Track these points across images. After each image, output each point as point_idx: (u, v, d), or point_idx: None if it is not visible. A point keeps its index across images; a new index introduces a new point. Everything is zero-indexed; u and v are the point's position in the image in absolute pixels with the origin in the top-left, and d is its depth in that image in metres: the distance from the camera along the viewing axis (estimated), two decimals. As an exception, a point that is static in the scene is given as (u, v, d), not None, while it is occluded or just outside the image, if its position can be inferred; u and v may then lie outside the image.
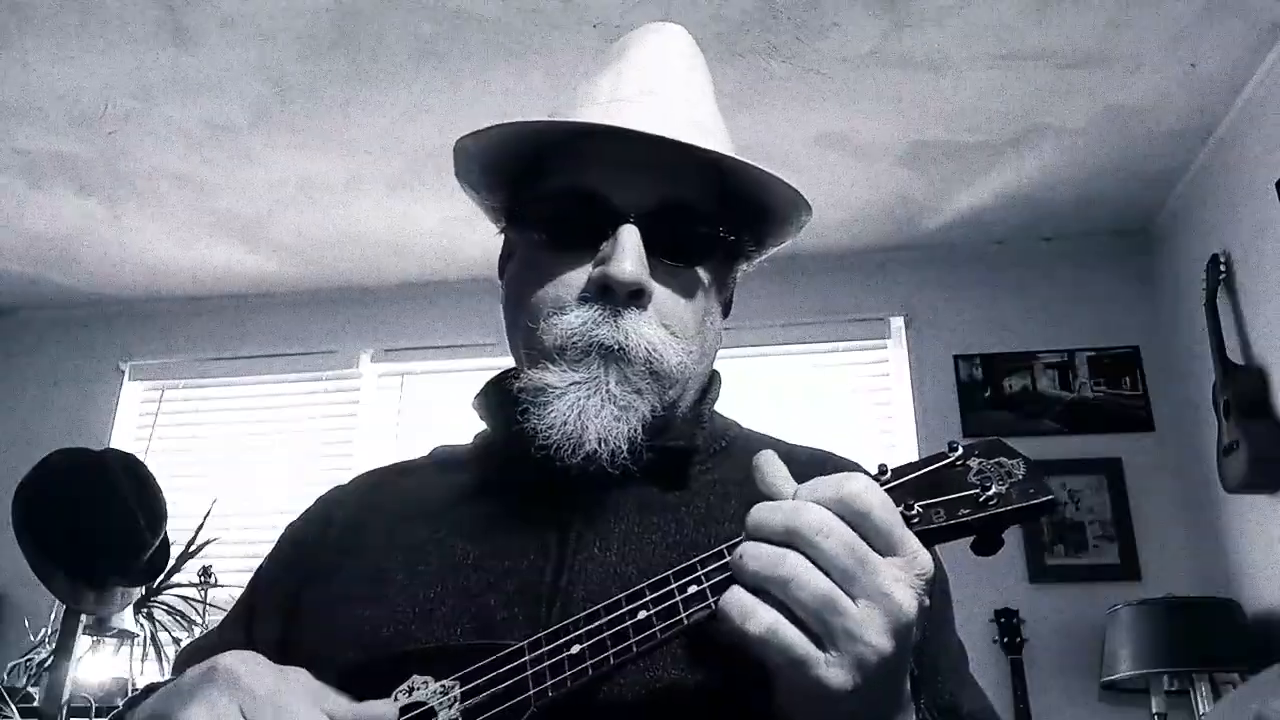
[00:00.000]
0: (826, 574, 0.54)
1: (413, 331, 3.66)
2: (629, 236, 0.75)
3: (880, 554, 0.55)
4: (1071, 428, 3.22)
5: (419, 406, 3.68)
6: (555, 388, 0.75)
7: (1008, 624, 2.92)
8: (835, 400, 3.41)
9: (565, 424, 0.74)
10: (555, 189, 0.81)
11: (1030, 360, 3.32)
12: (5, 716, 2.69)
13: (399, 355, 3.71)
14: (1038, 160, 3.02)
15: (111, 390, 3.84)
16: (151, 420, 3.83)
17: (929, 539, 0.61)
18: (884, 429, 3.35)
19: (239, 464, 3.67)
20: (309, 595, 0.81)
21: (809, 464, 0.73)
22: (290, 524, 0.92)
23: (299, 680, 0.63)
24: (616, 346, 0.74)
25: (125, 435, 3.78)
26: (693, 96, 0.83)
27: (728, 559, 0.59)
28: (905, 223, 3.38)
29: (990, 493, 0.60)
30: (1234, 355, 2.76)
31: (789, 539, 0.55)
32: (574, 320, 0.75)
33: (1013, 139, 2.92)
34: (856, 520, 0.56)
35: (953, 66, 2.61)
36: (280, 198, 3.26)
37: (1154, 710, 2.69)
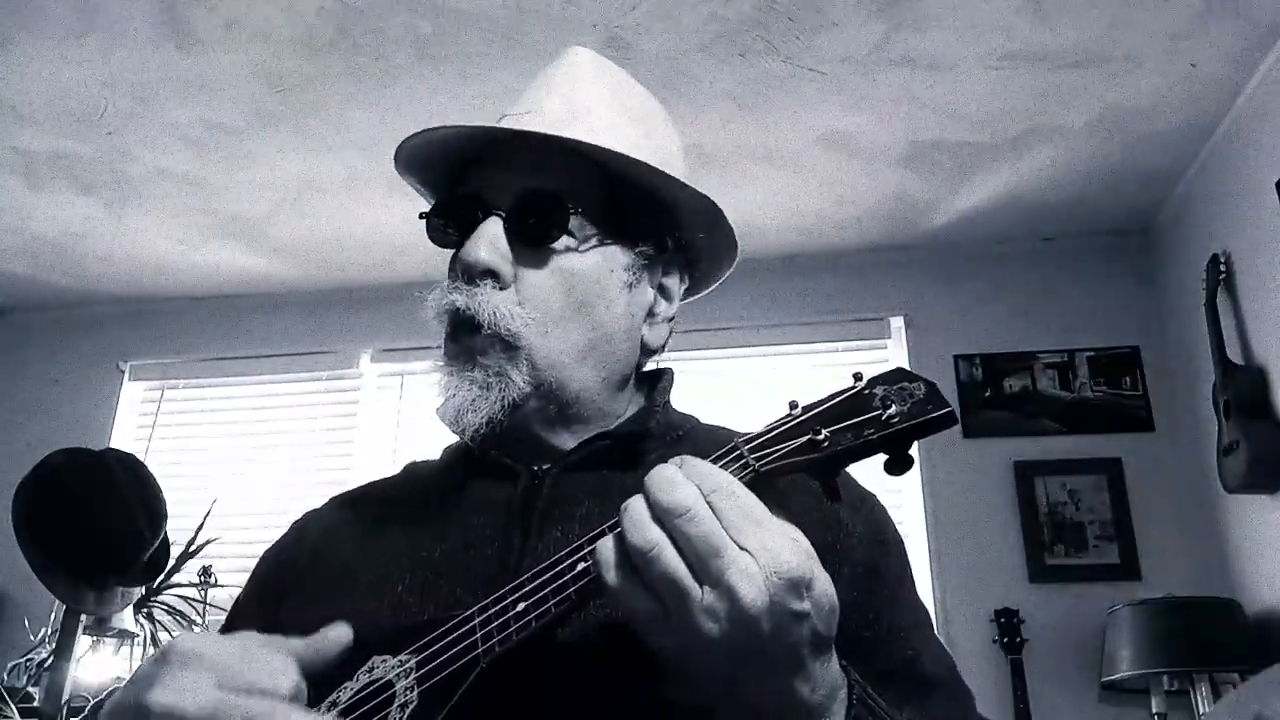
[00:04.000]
0: (683, 554, 0.58)
1: (413, 331, 3.61)
2: (486, 225, 0.83)
3: (740, 544, 0.58)
4: (1071, 428, 3.22)
5: (419, 406, 3.67)
6: (439, 372, 0.85)
7: (1008, 624, 2.92)
8: (835, 400, 3.41)
9: (439, 405, 0.82)
10: (448, 195, 0.91)
11: (1030, 360, 3.32)
12: (5, 716, 2.69)
13: (399, 355, 3.71)
14: (1038, 160, 3.02)
15: (111, 390, 3.84)
16: (151, 420, 3.83)
17: (840, 460, 0.65)
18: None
19: (239, 464, 3.67)
20: (285, 608, 0.85)
21: None
22: (266, 550, 0.96)
23: (253, 638, 0.66)
24: (464, 309, 0.82)
25: (125, 435, 3.78)
26: (578, 107, 0.88)
27: None
28: (905, 223, 3.38)
29: (891, 412, 0.64)
30: (1234, 355, 2.76)
31: (659, 514, 0.59)
32: (437, 293, 0.86)
33: (1013, 139, 2.92)
34: (722, 505, 0.59)
35: (953, 66, 2.61)
36: (280, 198, 3.26)
37: (1154, 710, 2.70)
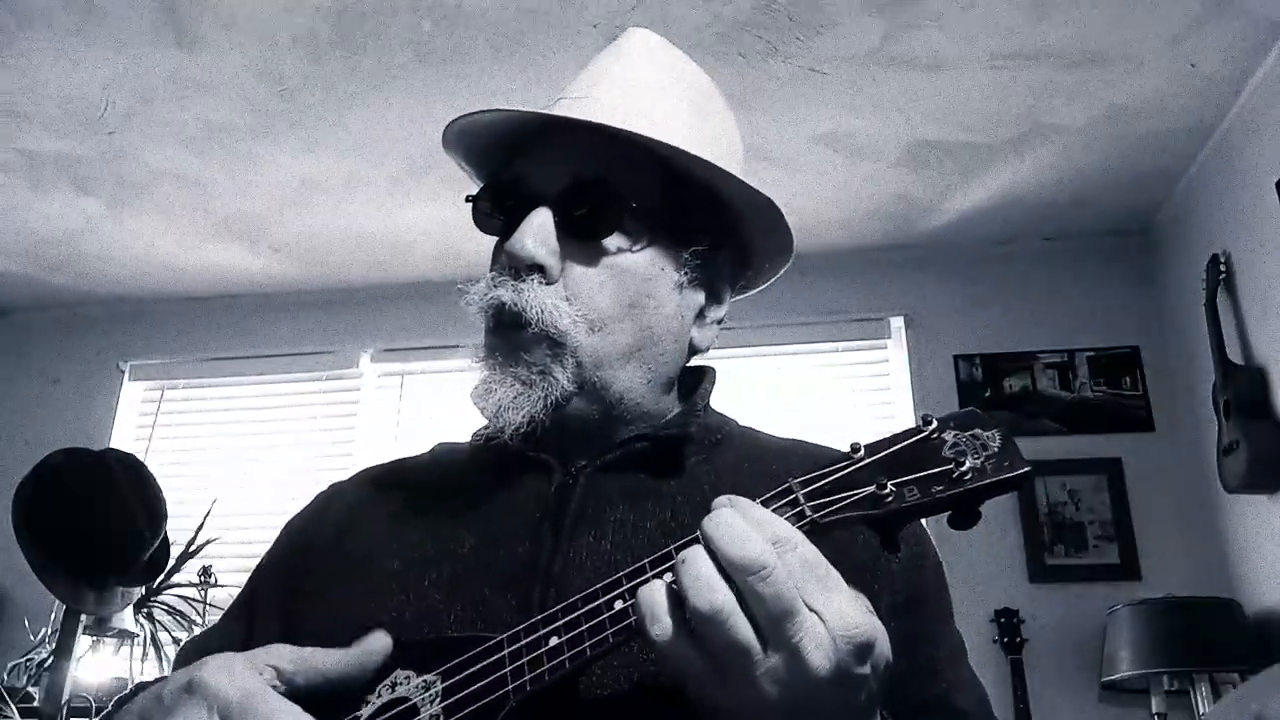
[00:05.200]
0: (751, 616, 0.54)
1: (413, 331, 3.65)
2: (534, 216, 0.79)
3: (809, 604, 0.55)
4: (1071, 428, 3.22)
5: (419, 406, 3.68)
6: (478, 366, 0.81)
7: (1008, 624, 2.92)
8: (835, 400, 3.41)
9: (477, 400, 0.79)
10: (495, 181, 0.86)
11: (1030, 360, 3.32)
12: (5, 716, 2.69)
13: (399, 355, 3.71)
14: (1038, 160, 3.02)
15: (111, 390, 3.84)
16: (151, 420, 3.83)
17: (904, 517, 0.60)
18: (884, 429, 3.34)
19: (239, 464, 3.67)
20: (307, 586, 0.82)
21: (804, 459, 0.74)
22: (290, 519, 0.93)
23: (277, 659, 0.64)
24: (510, 305, 0.78)
25: (125, 435, 3.78)
26: (637, 94, 0.84)
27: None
28: (905, 223, 3.38)
29: (965, 467, 0.59)
30: (1234, 355, 2.76)
31: (728, 568, 0.55)
32: (481, 286, 0.81)
33: (1013, 139, 2.92)
34: (789, 560, 0.55)
35: (953, 66, 2.61)
36: (280, 198, 3.26)
37: (1154, 710, 2.70)
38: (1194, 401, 2.99)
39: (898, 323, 3.45)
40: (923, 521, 0.85)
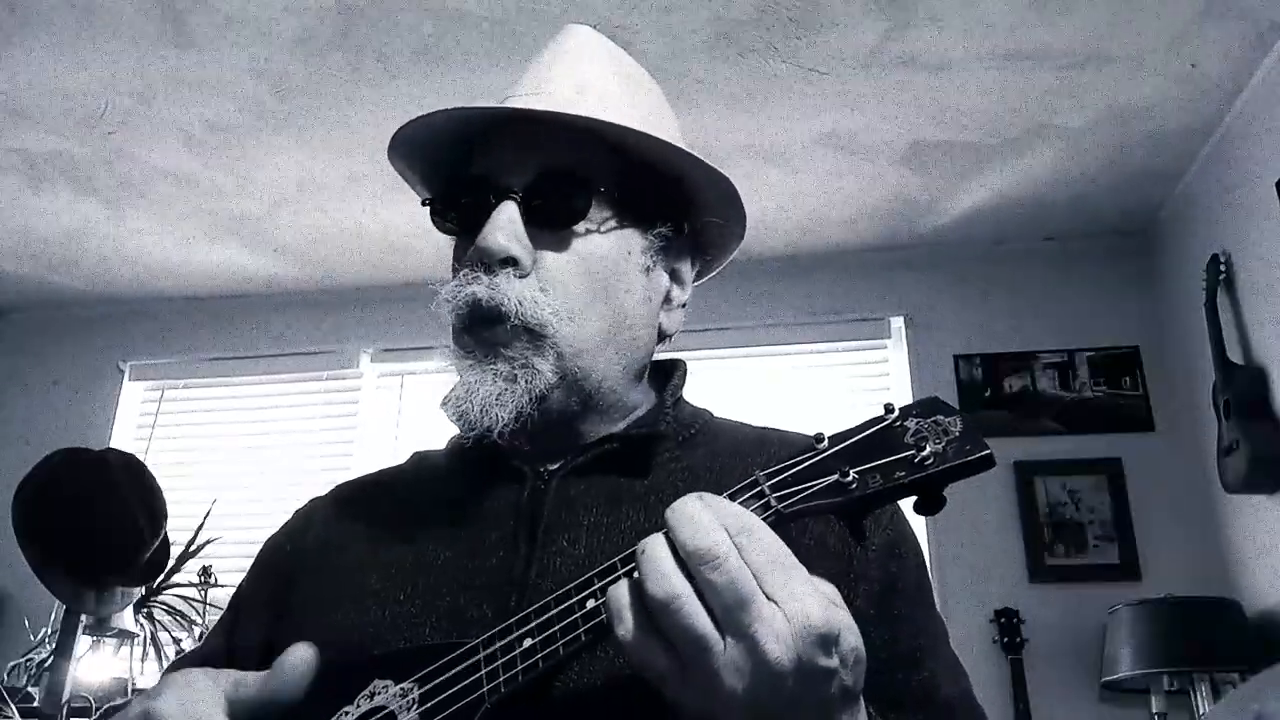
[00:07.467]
0: (707, 604, 0.54)
1: (413, 331, 3.65)
2: (501, 210, 0.79)
3: (767, 594, 0.55)
4: (1071, 428, 3.22)
5: (419, 406, 3.68)
6: (454, 367, 0.80)
7: (1008, 624, 2.92)
8: (835, 400, 3.41)
9: (459, 401, 0.78)
10: (453, 180, 0.87)
11: (1030, 360, 3.32)
12: (5, 716, 2.69)
13: (399, 355, 3.71)
14: (1038, 160, 3.02)
15: (111, 390, 3.84)
16: (151, 420, 3.83)
17: (868, 504, 0.61)
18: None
19: (239, 464, 3.67)
20: (289, 605, 0.83)
21: (781, 447, 0.76)
22: (270, 536, 0.93)
23: (225, 686, 0.63)
24: (486, 300, 0.77)
25: (125, 435, 3.79)
26: (587, 85, 0.85)
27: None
28: (905, 223, 3.38)
29: (926, 452, 0.60)
30: (1234, 355, 2.76)
31: (684, 558, 0.55)
32: (452, 284, 0.80)
33: (1013, 139, 2.92)
34: (749, 550, 0.56)
35: (953, 66, 2.61)
36: (280, 198, 3.26)
37: (1154, 710, 2.70)
38: (1194, 401, 2.99)
39: (898, 323, 3.45)
40: (907, 513, 0.86)
